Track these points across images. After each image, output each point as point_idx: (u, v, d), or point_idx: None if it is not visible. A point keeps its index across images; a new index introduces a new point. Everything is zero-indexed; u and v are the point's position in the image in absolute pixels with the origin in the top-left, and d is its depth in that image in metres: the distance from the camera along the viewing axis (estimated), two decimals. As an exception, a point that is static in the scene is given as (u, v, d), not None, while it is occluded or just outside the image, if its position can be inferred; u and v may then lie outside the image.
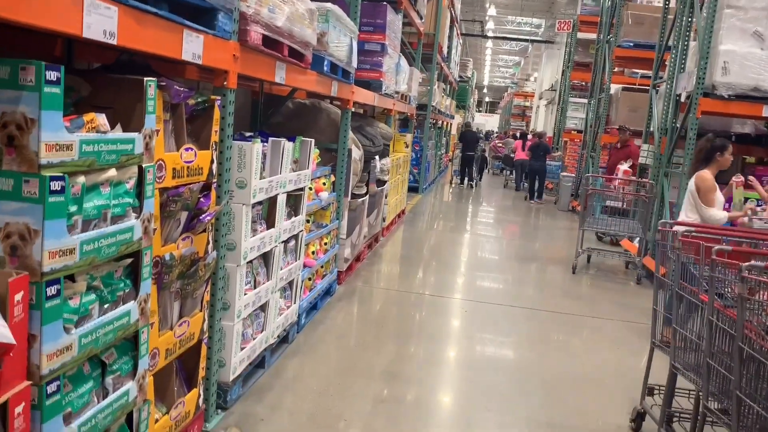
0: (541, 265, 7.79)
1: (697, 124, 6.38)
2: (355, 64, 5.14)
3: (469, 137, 17.00)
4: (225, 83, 2.79)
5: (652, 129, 8.15)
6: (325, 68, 4.21)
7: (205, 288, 2.74)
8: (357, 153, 5.64)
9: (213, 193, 2.71)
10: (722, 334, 2.55)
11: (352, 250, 5.90)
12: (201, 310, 2.74)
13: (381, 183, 7.23)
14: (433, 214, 11.52)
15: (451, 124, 21.16)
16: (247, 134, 4.06)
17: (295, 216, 4.03)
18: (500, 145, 21.51)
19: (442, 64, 14.68)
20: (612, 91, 11.77)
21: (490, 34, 33.57)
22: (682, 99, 6.95)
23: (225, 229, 2.97)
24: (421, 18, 10.15)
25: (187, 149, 2.45)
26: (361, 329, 4.74)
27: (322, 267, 4.97)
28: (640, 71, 13.15)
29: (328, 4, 4.14)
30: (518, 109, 37.96)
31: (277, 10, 3.11)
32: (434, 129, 15.69)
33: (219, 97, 2.69)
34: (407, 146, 10.18)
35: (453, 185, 17.34)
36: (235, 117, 5.74)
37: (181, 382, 2.78)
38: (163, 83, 2.22)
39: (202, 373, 2.84)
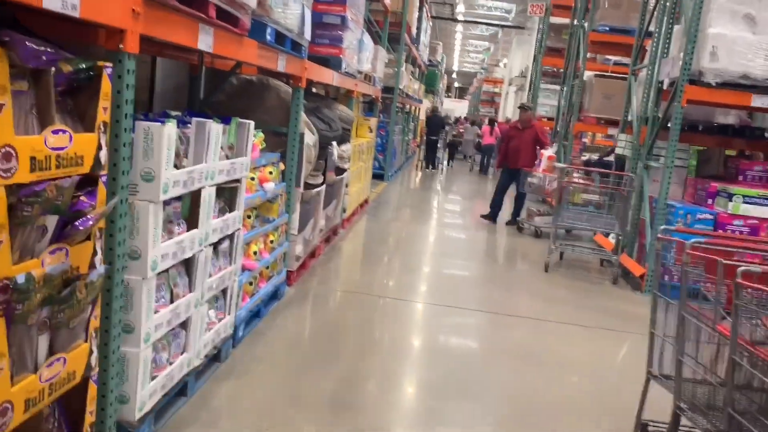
0: (511, 261, 7.29)
1: (681, 113, 5.90)
2: (308, 36, 4.50)
3: (434, 122, 17.42)
4: (121, 46, 2.15)
5: (630, 118, 7.68)
6: (269, 37, 3.57)
7: (91, 312, 2.11)
8: (311, 138, 5.01)
9: (101, 189, 2.07)
10: (751, 378, 2.02)
11: (304, 247, 5.29)
12: (86, 340, 2.11)
13: (341, 171, 6.61)
14: (399, 203, 10.95)
15: (419, 108, 20.60)
16: (173, 113, 3.41)
17: (230, 212, 3.40)
18: (461, 130, 21.78)
19: (411, 46, 14.05)
20: (585, 78, 11.30)
21: (460, 17, 32.98)
22: (665, 86, 6.47)
23: (124, 234, 2.34)
24: (388, -6, 9.52)
25: (56, 131, 1.81)
26: (310, 342, 4.15)
27: (267, 268, 4.35)
28: (613, 57, 12.73)
29: (273, -39, 3.49)
30: (487, 96, 37.56)
31: (197, -42, 2.47)
32: (402, 113, 15.10)
33: (108, 64, 2.04)
34: (372, 131, 9.56)
35: (420, 171, 16.89)
36: (173, 94, 5.08)
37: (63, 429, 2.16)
38: (6, 38, 1.58)
39: (90, 418, 2.22)
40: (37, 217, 1.76)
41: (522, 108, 10.08)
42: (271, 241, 4.40)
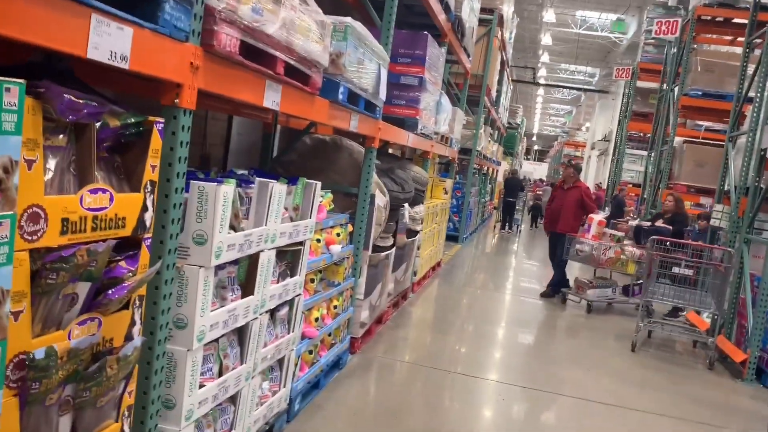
0: (594, 337, 6.75)
1: (789, 185, 5.37)
2: (383, 96, 4.36)
3: (512, 184, 17.24)
4: (176, 101, 2.01)
5: (727, 187, 7.12)
6: (341, 96, 3.43)
7: (124, 388, 1.91)
8: (382, 199, 4.82)
9: (144, 253, 1.90)
10: None
11: (371, 313, 5.03)
12: (117, 420, 1.91)
13: (413, 233, 6.38)
14: (473, 268, 10.57)
15: (497, 170, 20.31)
16: (239, 172, 3.29)
17: (291, 276, 3.20)
18: (540, 192, 21.39)
19: (490, 108, 13.89)
20: (675, 144, 10.75)
21: (542, 81, 32.82)
22: (768, 155, 5.96)
23: (169, 302, 2.16)
24: (468, 57, 9.40)
25: (95, 191, 1.66)
26: (372, 420, 3.83)
27: (329, 335, 4.11)
28: (704, 123, 12.11)
29: (348, 19, 3.38)
30: (568, 159, 36.87)
31: (265, 12, 2.34)
32: (479, 175, 14.85)
33: (159, 120, 1.90)
34: (446, 192, 9.33)
35: (496, 233, 16.48)
36: (247, 152, 5.04)
37: None
38: (41, 89, 1.44)
39: (116, 507, 2.00)
40: (65, 285, 1.59)
41: (566, 164, 9.16)
42: (335, 307, 4.17)
